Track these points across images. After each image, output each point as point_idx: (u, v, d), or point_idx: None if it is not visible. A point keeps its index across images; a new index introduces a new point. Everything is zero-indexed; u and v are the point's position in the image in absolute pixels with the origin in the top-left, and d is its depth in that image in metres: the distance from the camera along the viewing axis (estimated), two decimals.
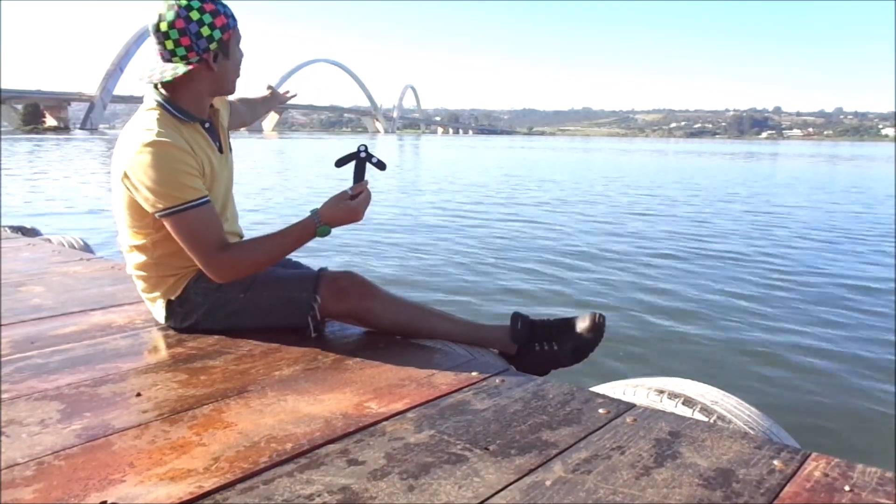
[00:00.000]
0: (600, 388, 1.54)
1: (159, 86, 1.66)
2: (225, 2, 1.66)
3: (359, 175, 1.68)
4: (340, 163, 1.70)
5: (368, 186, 1.67)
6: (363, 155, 1.68)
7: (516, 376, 1.54)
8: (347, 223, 1.65)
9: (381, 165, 1.70)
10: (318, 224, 1.63)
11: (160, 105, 1.65)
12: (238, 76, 1.74)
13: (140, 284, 1.81)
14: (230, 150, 1.89)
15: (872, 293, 5.30)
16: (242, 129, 2.32)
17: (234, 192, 1.92)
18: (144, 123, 1.62)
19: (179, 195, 1.57)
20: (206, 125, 1.75)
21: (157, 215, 1.60)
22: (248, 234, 1.91)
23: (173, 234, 1.62)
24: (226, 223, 1.78)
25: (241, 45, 1.73)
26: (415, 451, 1.14)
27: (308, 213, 1.65)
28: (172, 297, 1.77)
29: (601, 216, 10.16)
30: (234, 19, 1.66)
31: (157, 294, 1.79)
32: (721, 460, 1.12)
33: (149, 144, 1.56)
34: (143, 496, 0.98)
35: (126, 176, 1.60)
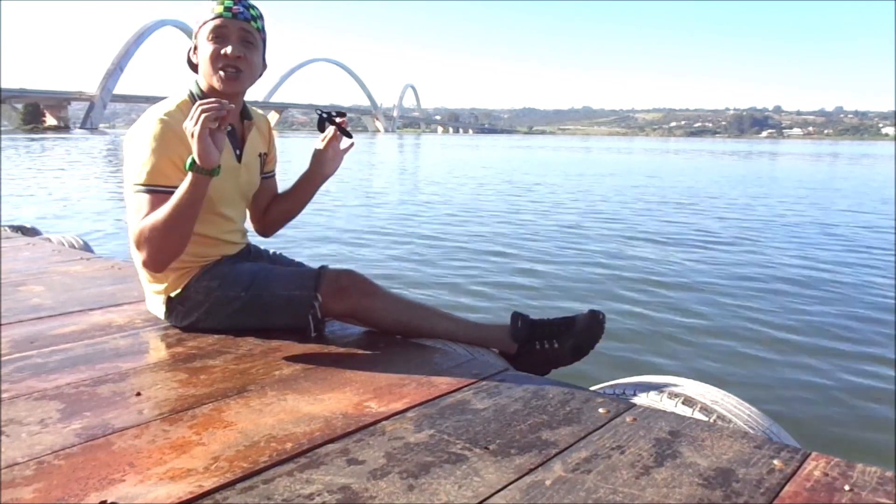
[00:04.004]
0: (600, 388, 1.55)
1: (199, 80, 1.71)
2: None
3: (321, 127, 1.87)
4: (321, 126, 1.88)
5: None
6: (325, 115, 1.87)
7: (516, 376, 1.54)
8: (199, 154, 1.45)
9: (346, 134, 1.87)
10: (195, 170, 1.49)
11: (190, 94, 1.70)
12: (214, 74, 1.65)
13: (143, 276, 1.81)
14: (263, 175, 1.93)
15: (873, 291, 5.30)
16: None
17: None
18: (166, 102, 1.68)
19: (152, 175, 1.58)
20: (228, 128, 1.74)
21: (131, 185, 1.61)
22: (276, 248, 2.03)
23: (133, 209, 1.60)
24: (227, 223, 1.80)
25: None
26: (415, 450, 1.14)
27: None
28: (172, 295, 1.77)
29: (602, 212, 10.16)
30: (223, 14, 1.63)
31: (159, 288, 1.79)
32: (721, 460, 1.12)
33: (155, 119, 1.60)
34: (143, 496, 0.98)
35: (126, 142, 1.65)
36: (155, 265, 1.61)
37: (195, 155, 1.45)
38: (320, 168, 1.90)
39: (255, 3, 1.71)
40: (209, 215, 1.73)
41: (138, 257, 1.62)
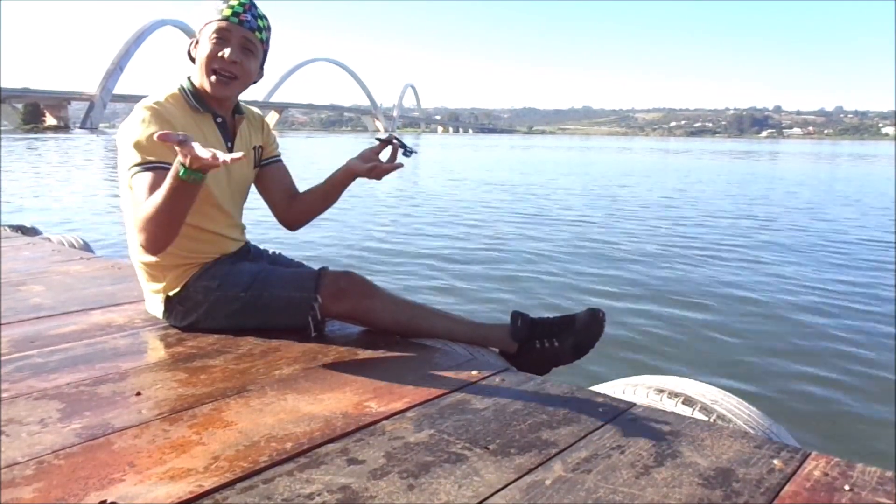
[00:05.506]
0: (600, 388, 1.54)
1: (193, 76, 1.73)
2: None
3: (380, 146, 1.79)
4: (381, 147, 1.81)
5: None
6: (395, 142, 1.79)
7: (516, 375, 1.54)
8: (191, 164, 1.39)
9: (404, 151, 1.78)
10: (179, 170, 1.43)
11: (181, 88, 1.73)
12: (207, 76, 1.67)
13: (141, 275, 1.81)
14: (265, 162, 1.93)
15: (872, 291, 5.30)
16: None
17: None
18: (154, 94, 1.70)
19: (145, 151, 1.56)
20: (218, 120, 1.76)
21: (130, 173, 1.57)
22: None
23: (133, 193, 1.57)
24: (224, 217, 1.80)
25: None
26: (415, 450, 1.14)
27: None
28: (171, 294, 1.77)
29: (603, 213, 10.16)
30: (230, 18, 1.65)
31: (157, 287, 1.79)
32: (721, 459, 1.12)
33: (143, 107, 1.62)
34: (143, 495, 0.98)
35: (119, 134, 1.64)
36: (153, 250, 1.57)
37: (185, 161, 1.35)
38: (357, 166, 1.76)
39: (265, 14, 1.73)
40: (206, 209, 1.73)
41: (137, 240, 1.58)
